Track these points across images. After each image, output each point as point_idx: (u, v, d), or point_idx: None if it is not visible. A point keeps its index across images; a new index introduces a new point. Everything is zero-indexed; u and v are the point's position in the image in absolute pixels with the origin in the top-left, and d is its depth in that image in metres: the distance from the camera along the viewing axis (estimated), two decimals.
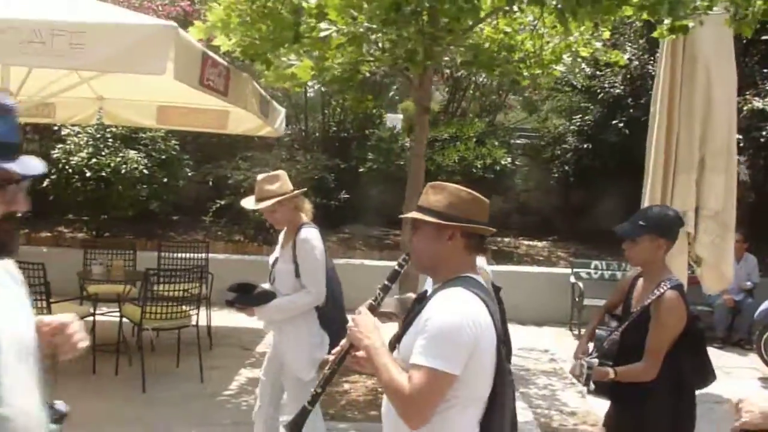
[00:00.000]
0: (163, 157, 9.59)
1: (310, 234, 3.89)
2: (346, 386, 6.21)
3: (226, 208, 9.88)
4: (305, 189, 4.09)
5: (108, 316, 6.70)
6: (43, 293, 5.74)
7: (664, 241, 3.24)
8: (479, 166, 9.92)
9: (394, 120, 12.30)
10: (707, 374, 3.30)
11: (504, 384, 2.17)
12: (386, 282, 2.41)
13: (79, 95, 7.42)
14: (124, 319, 6.39)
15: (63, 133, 9.57)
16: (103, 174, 9.02)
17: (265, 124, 8.29)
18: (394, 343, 2.28)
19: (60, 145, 9.40)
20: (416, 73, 5.70)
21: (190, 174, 10.19)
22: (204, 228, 10.69)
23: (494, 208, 11.02)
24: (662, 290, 3.13)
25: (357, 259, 9.85)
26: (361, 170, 10.60)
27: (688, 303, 3.22)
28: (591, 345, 3.48)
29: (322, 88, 10.49)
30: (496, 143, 10.55)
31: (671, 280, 3.20)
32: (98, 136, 9.41)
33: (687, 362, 3.18)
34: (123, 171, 9.04)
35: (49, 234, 10.24)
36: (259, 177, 4.03)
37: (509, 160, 10.40)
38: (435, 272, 2.28)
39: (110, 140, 9.38)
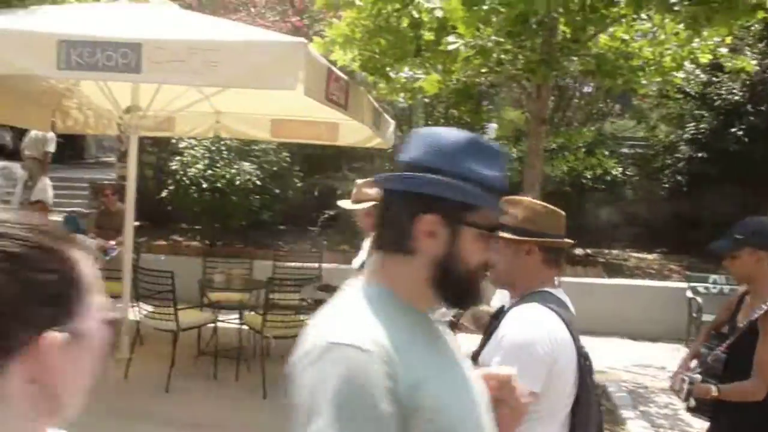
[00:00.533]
0: (275, 168, 9.85)
1: None
2: None
3: (334, 218, 10.05)
4: None
5: (228, 323, 6.93)
6: (171, 300, 5.99)
7: (766, 254, 3.03)
8: (589, 176, 9.72)
9: (491, 130, 12.24)
10: None
11: (588, 400, 2.12)
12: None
13: (198, 110, 7.74)
14: (243, 326, 6.57)
15: (180, 146, 9.99)
16: (218, 185, 9.36)
17: (375, 136, 8.43)
18: (474, 358, 2.19)
19: (177, 158, 9.81)
20: (534, 84, 5.66)
21: (299, 185, 10.43)
22: (311, 238, 10.92)
23: (602, 220, 10.82)
24: None
25: None
26: None
27: None
28: (694, 362, 3.31)
29: (425, 99, 10.62)
30: (606, 153, 10.30)
31: None
32: (213, 148, 9.77)
33: None
34: (237, 182, 9.35)
35: (165, 242, 10.70)
36: (360, 181, 4.10)
37: (620, 170, 10.14)
38: (513, 287, 2.25)
39: (225, 152, 9.73)
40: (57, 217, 12.49)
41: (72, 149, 18.96)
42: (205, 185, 9.38)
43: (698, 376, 3.02)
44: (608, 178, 9.91)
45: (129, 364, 6.12)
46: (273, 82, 4.52)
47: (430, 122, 12.49)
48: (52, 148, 13.47)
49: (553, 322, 2.06)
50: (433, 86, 5.01)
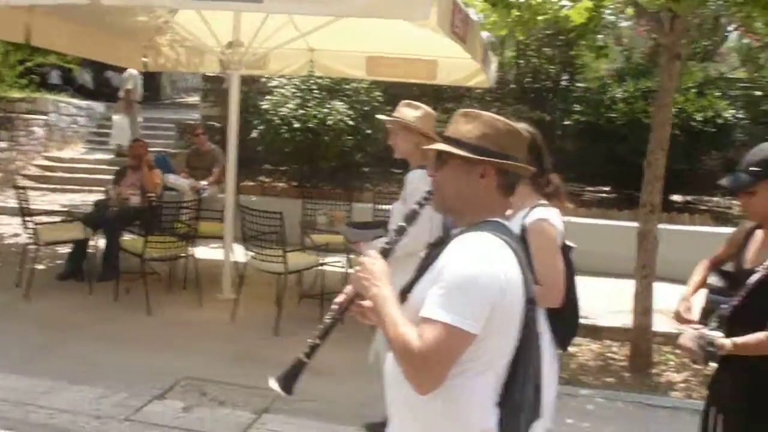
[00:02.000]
0: (366, 108, 9.56)
1: (416, 174, 3.64)
2: (572, 349, 5.93)
3: None
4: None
5: (331, 266, 6.79)
6: (277, 242, 5.85)
7: None
8: (699, 119, 9.12)
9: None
10: None
11: (529, 348, 1.84)
12: (402, 224, 2.09)
13: (293, 47, 7.49)
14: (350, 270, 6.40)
15: (270, 84, 9.77)
16: (310, 125, 9.13)
17: (475, 74, 8.08)
18: (406, 292, 1.90)
19: (267, 97, 9.61)
20: (669, 16, 5.20)
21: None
22: (397, 180, 10.64)
23: (710, 165, 10.18)
24: None
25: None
26: (566, 123, 10.08)
27: None
28: (696, 305, 2.81)
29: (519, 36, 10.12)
30: (717, 94, 9.64)
31: None
32: (304, 87, 9.52)
33: None
34: (329, 122, 9.11)
35: (252, 183, 10.60)
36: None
37: (732, 112, 9.49)
38: (461, 214, 1.90)
39: (316, 91, 9.48)
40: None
41: (148, 90, 19.08)
42: (296, 125, 9.15)
43: (719, 333, 2.52)
44: (719, 121, 9.29)
45: (236, 306, 6.06)
46: (405, 12, 4.20)
47: (520, 61, 12.00)
48: (130, 85, 13.51)
49: (505, 257, 1.76)
50: (581, 15, 4.59)
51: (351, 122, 9.25)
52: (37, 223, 6.49)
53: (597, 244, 6.95)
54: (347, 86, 9.63)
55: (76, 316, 6.00)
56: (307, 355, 1.97)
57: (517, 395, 1.81)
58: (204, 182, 8.86)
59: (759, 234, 2.70)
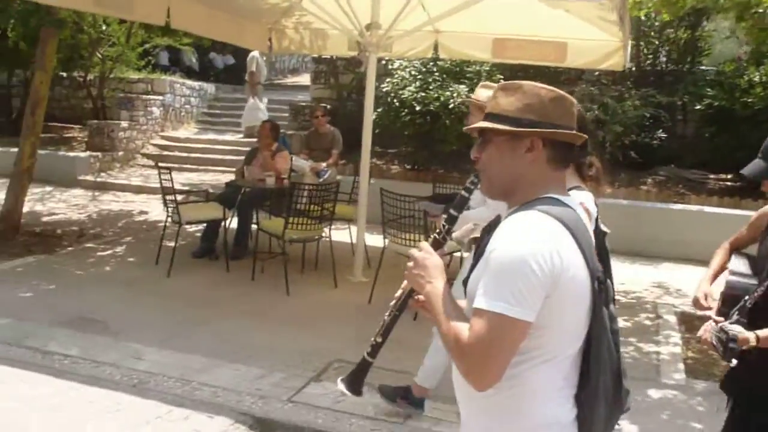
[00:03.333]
0: None
1: None
2: None
3: None
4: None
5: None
6: (416, 225, 5.80)
7: None
8: None
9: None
10: None
11: (600, 333, 1.66)
12: (452, 211, 1.94)
13: (418, 29, 7.39)
14: None
15: (390, 66, 9.72)
16: (431, 108, 9.04)
17: (607, 56, 7.79)
18: (467, 281, 1.76)
19: (388, 80, 9.56)
20: None
21: None
22: None
23: None
24: None
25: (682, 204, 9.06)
26: (698, 107, 9.62)
27: None
28: (716, 290, 2.61)
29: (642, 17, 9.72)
30: None
31: None
32: (424, 70, 9.42)
33: None
34: (450, 105, 8.99)
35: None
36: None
37: None
38: (511, 194, 1.74)
39: (436, 74, 9.37)
40: None
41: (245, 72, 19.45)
42: (417, 108, 9.07)
43: (739, 328, 2.33)
44: None
45: (373, 289, 6.05)
46: None
47: (641, 43, 11.53)
48: (253, 67, 13.73)
49: (556, 234, 1.59)
50: None
51: None
52: (179, 203, 6.64)
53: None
54: (468, 69, 9.48)
55: (216, 293, 6.13)
56: (370, 354, 1.94)
57: (593, 385, 1.67)
58: (323, 164, 8.91)
59: None
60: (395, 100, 9.29)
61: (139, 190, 11.09)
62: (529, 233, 1.58)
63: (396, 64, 9.67)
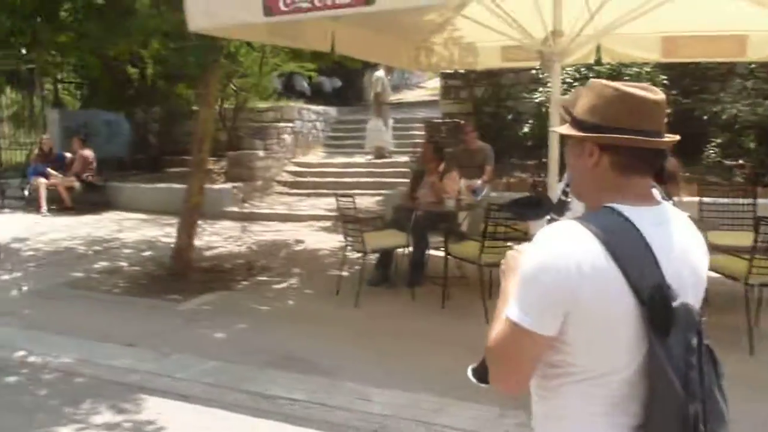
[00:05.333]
0: None
1: None
2: None
3: (724, 145, 8.87)
4: None
5: None
6: None
7: None
8: None
9: None
10: None
11: (655, 363, 1.46)
12: (552, 216, 1.94)
13: (582, 33, 6.99)
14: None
15: (541, 75, 9.35)
16: None
17: None
18: None
19: (540, 89, 9.19)
20: None
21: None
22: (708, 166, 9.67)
23: None
24: None
25: None
26: None
27: None
28: None
29: None
30: None
31: None
32: (579, 76, 9.01)
33: None
34: None
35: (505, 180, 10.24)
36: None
37: None
38: (586, 200, 1.69)
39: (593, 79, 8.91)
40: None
41: (350, 90, 19.50)
42: None
43: None
44: None
45: None
46: None
47: None
48: (379, 88, 13.64)
49: (582, 246, 1.47)
50: None
51: None
52: (362, 231, 6.46)
53: None
54: (627, 71, 8.98)
55: (411, 323, 5.89)
56: None
57: (655, 423, 1.51)
58: (478, 181, 8.62)
59: None
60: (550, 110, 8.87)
61: (284, 218, 11.11)
62: (551, 244, 1.52)
63: (546, 73, 9.26)
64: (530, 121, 9.16)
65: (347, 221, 6.57)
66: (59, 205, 12.23)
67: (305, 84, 19.67)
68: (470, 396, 4.36)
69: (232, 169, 12.70)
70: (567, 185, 1.97)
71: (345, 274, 7.23)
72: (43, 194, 12.10)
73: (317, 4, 4.73)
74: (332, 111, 16.48)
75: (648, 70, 9.02)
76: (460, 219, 7.68)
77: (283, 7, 4.82)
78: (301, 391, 4.52)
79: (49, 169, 12.42)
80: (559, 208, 2.01)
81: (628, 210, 1.55)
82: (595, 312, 1.47)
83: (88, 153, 12.45)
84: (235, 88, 12.98)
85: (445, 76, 12.91)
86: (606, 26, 6.34)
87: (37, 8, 6.49)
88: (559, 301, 1.48)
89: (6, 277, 7.86)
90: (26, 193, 12.64)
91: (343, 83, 19.80)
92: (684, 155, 9.59)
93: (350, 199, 6.44)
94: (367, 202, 11.75)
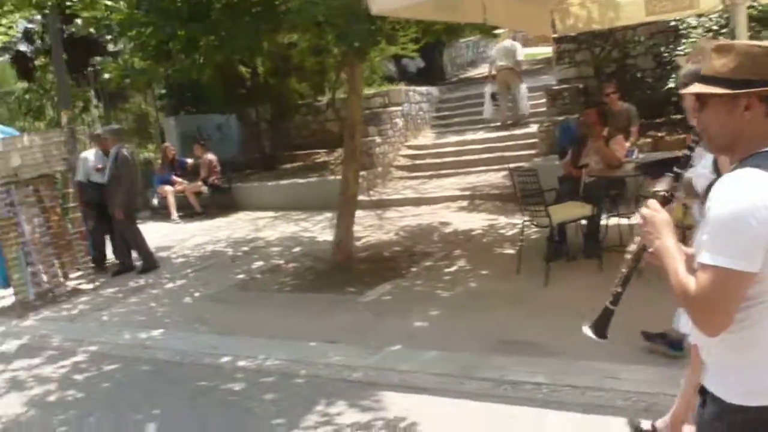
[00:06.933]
0: None
1: None
2: None
3: None
4: None
5: None
6: None
7: None
8: None
9: None
10: None
11: None
12: (677, 169, 2.08)
13: None
14: None
15: (682, 26, 8.84)
16: None
17: None
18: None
19: (684, 41, 8.70)
20: None
21: None
22: None
23: None
24: None
25: None
26: None
27: None
28: None
29: None
30: None
31: None
32: (723, 23, 8.47)
33: None
34: None
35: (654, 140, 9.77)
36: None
37: None
38: (732, 151, 1.84)
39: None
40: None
41: (432, 70, 19.09)
42: None
43: None
44: None
45: None
46: None
47: None
48: (517, 57, 13.37)
49: None
50: None
51: None
52: (546, 205, 6.21)
53: None
54: None
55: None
56: (612, 302, 2.18)
57: None
58: (627, 143, 8.23)
59: None
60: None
61: (416, 202, 10.95)
62: (744, 189, 1.67)
63: (692, 20, 8.78)
64: (672, 77, 8.66)
65: (527, 196, 6.32)
66: (188, 211, 12.43)
67: (390, 66, 19.39)
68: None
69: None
70: (693, 141, 2.12)
71: (511, 251, 7.04)
72: (171, 202, 12.31)
73: None
74: (434, 91, 16.21)
75: None
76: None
77: None
78: (541, 374, 4.33)
79: (174, 177, 12.64)
80: (684, 164, 2.12)
81: None
82: None
83: (212, 157, 12.59)
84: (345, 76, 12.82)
85: (557, 41, 12.45)
86: None
87: (191, 12, 6.47)
88: (763, 236, 1.64)
89: (171, 285, 7.98)
90: (155, 202, 12.88)
91: (426, 63, 19.41)
92: None
93: (532, 173, 6.19)
94: (493, 178, 11.49)
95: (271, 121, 14.76)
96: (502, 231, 8.39)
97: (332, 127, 14.28)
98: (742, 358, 1.78)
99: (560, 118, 10.84)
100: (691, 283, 1.71)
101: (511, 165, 8.04)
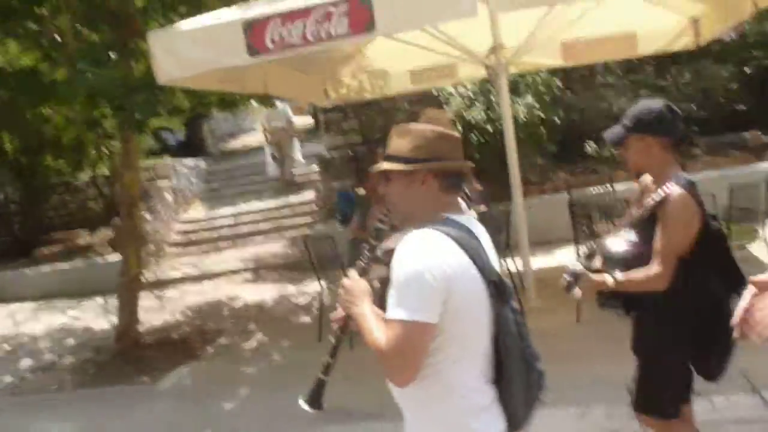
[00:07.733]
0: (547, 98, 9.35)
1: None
2: None
3: None
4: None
5: None
6: None
7: (653, 139, 2.79)
8: None
9: None
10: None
11: (503, 326, 1.95)
12: (371, 241, 2.22)
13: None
14: None
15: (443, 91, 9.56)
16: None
17: (676, 37, 7.85)
18: None
19: (445, 106, 9.39)
20: None
21: None
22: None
23: None
24: (667, 190, 2.67)
25: None
26: None
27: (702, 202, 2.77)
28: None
29: None
30: None
31: (678, 177, 2.75)
32: (478, 90, 9.33)
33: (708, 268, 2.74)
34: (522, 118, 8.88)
35: None
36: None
37: None
38: (414, 219, 2.04)
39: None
40: None
41: (193, 141, 18.75)
42: (490, 128, 8.94)
43: (579, 266, 2.81)
44: None
45: None
46: None
47: None
48: (284, 122, 13.72)
49: (445, 248, 1.88)
50: None
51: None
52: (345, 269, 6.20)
53: None
54: (520, 79, 9.37)
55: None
56: (323, 372, 2.19)
57: (507, 370, 1.94)
58: None
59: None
60: (458, 125, 9.10)
61: (197, 279, 10.48)
62: (420, 249, 1.85)
63: (450, 89, 9.51)
64: None
65: (324, 262, 6.31)
66: None
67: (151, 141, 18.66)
68: None
69: (120, 238, 11.78)
70: (384, 215, 2.23)
71: (308, 319, 6.99)
72: None
73: (310, 38, 4.53)
74: (201, 163, 15.86)
75: (543, 76, 9.48)
76: None
77: (270, 45, 4.57)
78: None
79: None
80: (379, 236, 2.20)
81: (458, 218, 1.99)
82: (465, 295, 1.86)
83: None
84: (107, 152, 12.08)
85: (326, 111, 12.82)
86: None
87: None
88: (440, 291, 1.81)
89: None
90: None
91: (188, 135, 19.00)
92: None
93: (328, 239, 6.20)
94: (275, 247, 11.41)
95: (21, 202, 13.44)
96: (294, 300, 8.28)
97: (94, 205, 13.36)
98: (440, 408, 1.93)
99: (336, 184, 11.10)
100: (382, 338, 1.85)
101: (307, 233, 8.01)
